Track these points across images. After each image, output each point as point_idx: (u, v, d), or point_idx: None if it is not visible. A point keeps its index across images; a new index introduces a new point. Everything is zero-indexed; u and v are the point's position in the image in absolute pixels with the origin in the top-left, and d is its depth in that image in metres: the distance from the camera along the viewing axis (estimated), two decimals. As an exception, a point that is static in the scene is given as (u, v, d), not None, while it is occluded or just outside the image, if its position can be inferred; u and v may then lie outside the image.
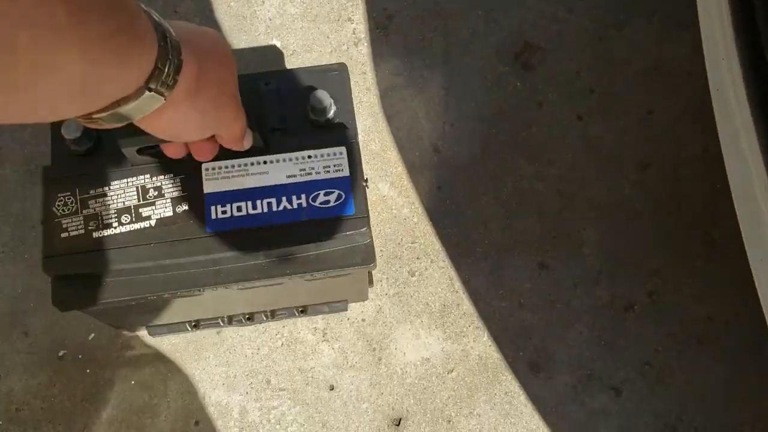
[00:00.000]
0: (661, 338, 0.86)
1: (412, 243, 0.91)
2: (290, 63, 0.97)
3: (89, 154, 0.67)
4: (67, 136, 0.66)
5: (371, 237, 0.66)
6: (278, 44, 0.98)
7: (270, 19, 0.99)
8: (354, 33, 0.99)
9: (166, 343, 0.86)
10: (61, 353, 0.85)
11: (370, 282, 0.86)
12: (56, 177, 0.66)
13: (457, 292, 0.88)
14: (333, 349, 0.86)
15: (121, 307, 0.67)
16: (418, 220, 0.92)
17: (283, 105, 0.69)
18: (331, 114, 0.69)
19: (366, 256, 0.66)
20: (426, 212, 0.92)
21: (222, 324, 0.84)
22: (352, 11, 1.00)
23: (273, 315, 0.84)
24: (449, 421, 0.83)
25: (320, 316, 0.86)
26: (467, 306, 0.87)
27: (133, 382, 0.85)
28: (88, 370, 0.85)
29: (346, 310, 0.86)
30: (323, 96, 0.67)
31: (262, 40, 0.98)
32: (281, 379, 0.85)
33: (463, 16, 1.01)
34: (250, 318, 0.84)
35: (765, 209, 0.55)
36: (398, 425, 0.83)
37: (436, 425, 0.83)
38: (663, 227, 0.91)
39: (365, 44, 0.99)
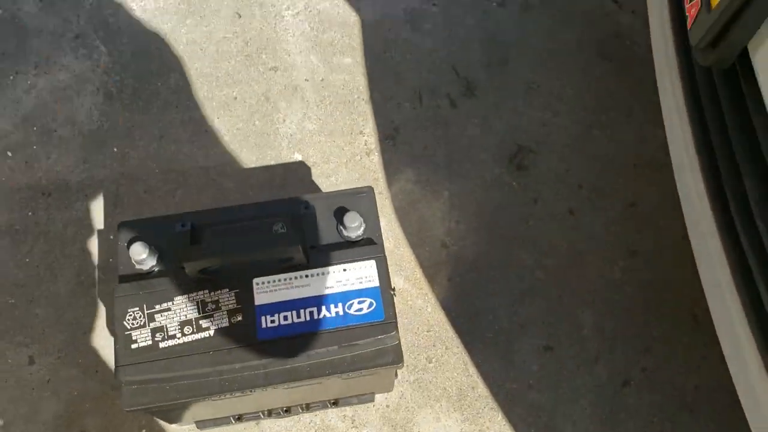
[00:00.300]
0: (656, 410, 0.95)
1: (427, 331, 1.01)
2: (312, 174, 1.09)
3: (152, 274, 0.78)
4: (135, 257, 0.77)
5: (399, 339, 0.76)
6: (299, 157, 1.10)
7: (291, 135, 1.12)
8: (366, 144, 1.12)
9: (211, 436, 0.95)
10: (114, 449, 0.93)
11: (396, 375, 0.96)
12: (126, 295, 0.77)
13: (471, 376, 0.98)
14: (362, 433, 0.95)
15: (179, 407, 0.77)
16: (432, 310, 1.02)
17: (321, 225, 0.80)
18: (360, 231, 0.80)
19: (395, 357, 0.76)
20: (438, 302, 1.02)
21: (262, 417, 0.93)
22: (363, 125, 1.13)
23: (308, 407, 0.93)
24: (472, 496, 0.91)
25: (349, 404, 0.95)
26: (482, 389, 0.97)
27: (181, 473, 0.93)
28: (140, 464, 0.93)
29: (373, 401, 0.95)
30: (354, 217, 0.79)
31: (285, 155, 1.10)
32: (317, 464, 0.93)
33: (461, 124, 1.13)
34: (288, 411, 0.93)
35: (732, 305, 0.66)
36: (425, 502, 0.91)
37: (459, 501, 0.91)
38: (652, 308, 1.02)
39: (376, 154, 1.11)
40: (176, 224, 0.80)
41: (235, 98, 1.15)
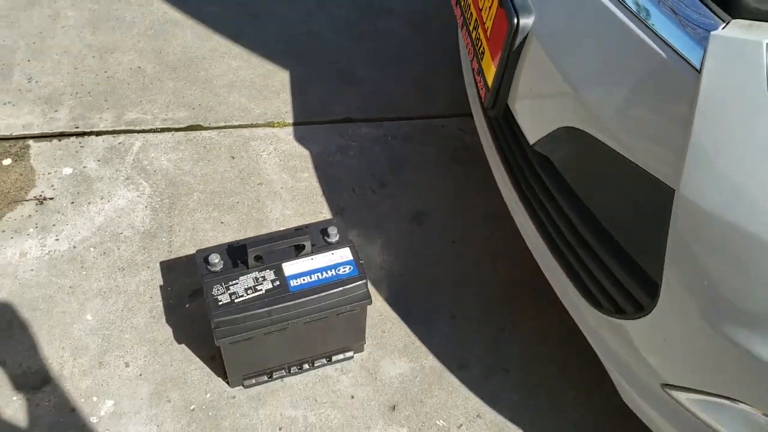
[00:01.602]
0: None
1: (379, 315, 1.60)
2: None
3: (223, 269, 1.38)
4: (212, 261, 1.37)
5: (367, 287, 1.38)
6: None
7: (276, 219, 1.76)
8: (324, 218, 1.77)
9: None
10: None
11: (364, 338, 1.53)
12: (210, 280, 1.35)
13: (410, 336, 1.57)
14: None
15: (245, 346, 1.33)
16: (381, 304, 1.62)
17: (314, 236, 1.43)
18: (337, 237, 1.43)
19: (365, 295, 1.37)
20: (384, 299, 1.63)
21: (285, 373, 1.47)
22: (321, 209, 1.79)
23: (313, 364, 1.49)
24: None
25: None
26: (412, 338, 1.56)
27: (236, 416, 1.44)
28: None
29: (353, 358, 1.52)
30: (333, 228, 1.43)
31: (275, 230, 1.73)
32: None
33: (381, 203, 1.82)
34: (300, 368, 1.48)
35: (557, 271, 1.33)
36: None
37: None
38: (508, 293, 1.67)
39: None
40: (233, 245, 1.41)
41: (238, 202, 1.79)
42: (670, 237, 0.94)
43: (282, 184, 1.85)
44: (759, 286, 0.86)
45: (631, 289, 1.07)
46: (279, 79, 2.13)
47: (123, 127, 1.94)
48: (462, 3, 1.51)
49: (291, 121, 2.01)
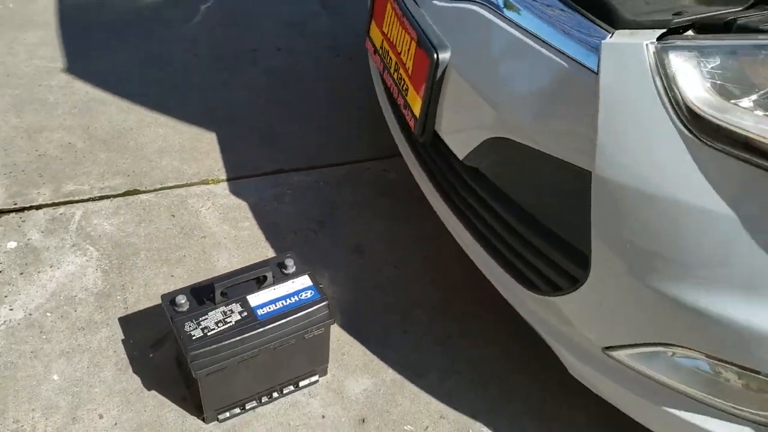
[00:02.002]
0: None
1: (338, 340, 1.71)
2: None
3: (189, 309, 1.46)
4: (178, 302, 1.45)
5: (328, 308, 1.50)
6: (234, 276, 1.83)
7: (224, 267, 1.85)
8: (266, 257, 1.88)
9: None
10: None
11: (327, 359, 1.63)
12: (180, 319, 1.43)
13: (371, 352, 1.69)
14: None
15: (220, 377, 1.41)
16: (339, 328, 1.74)
17: (274, 270, 1.54)
18: (294, 268, 1.55)
19: (329, 315, 1.49)
20: (342, 322, 1.75)
21: (256, 404, 1.55)
22: (266, 252, 1.90)
23: (282, 392, 1.58)
24: None
25: None
26: (370, 352, 1.68)
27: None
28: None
29: (318, 381, 1.62)
30: (290, 261, 1.55)
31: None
32: None
33: (320, 243, 1.95)
34: (270, 397, 1.57)
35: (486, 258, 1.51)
36: None
37: None
38: (439, 278, 1.83)
39: (279, 266, 1.88)
40: (195, 286, 1.50)
41: (185, 256, 1.88)
42: (593, 211, 1.14)
43: (225, 235, 1.95)
44: (672, 239, 1.06)
45: (565, 265, 1.26)
46: (206, 141, 2.26)
47: (62, 199, 1.99)
48: (380, 51, 1.71)
49: (224, 177, 2.13)
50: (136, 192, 2.05)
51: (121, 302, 1.74)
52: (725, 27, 1.05)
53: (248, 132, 2.32)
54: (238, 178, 2.13)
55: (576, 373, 1.40)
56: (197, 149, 2.22)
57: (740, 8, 1.07)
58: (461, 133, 1.42)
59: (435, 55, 1.39)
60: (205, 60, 2.62)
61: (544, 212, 1.30)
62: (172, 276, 1.82)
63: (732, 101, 0.99)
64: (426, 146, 1.60)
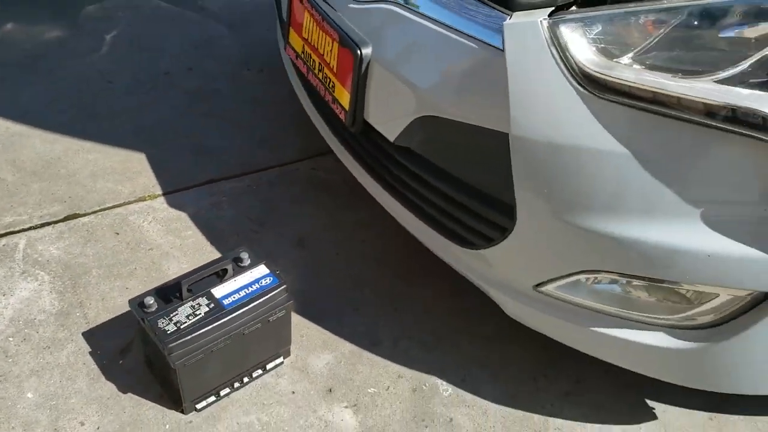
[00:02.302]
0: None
1: (300, 335, 1.85)
2: (197, 285, 1.92)
3: (158, 307, 1.57)
4: (147, 303, 1.56)
5: (287, 291, 1.64)
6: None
7: (175, 273, 1.95)
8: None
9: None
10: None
11: (289, 341, 1.77)
12: (153, 317, 1.54)
13: (325, 332, 1.83)
14: None
15: (196, 367, 1.52)
16: (298, 317, 1.87)
17: (232, 262, 1.67)
18: (249, 260, 1.69)
19: (288, 298, 1.64)
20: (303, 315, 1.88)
21: (230, 390, 1.67)
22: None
23: (251, 376, 1.70)
24: None
25: None
26: (328, 332, 1.83)
27: (198, 437, 1.60)
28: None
29: (283, 362, 1.75)
30: (245, 254, 1.68)
31: (180, 280, 1.93)
32: None
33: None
34: (242, 382, 1.69)
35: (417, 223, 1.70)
36: None
37: None
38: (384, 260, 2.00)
39: (228, 266, 1.99)
40: (160, 287, 1.61)
41: (135, 269, 1.97)
42: (513, 167, 1.34)
43: (170, 245, 2.05)
44: (579, 179, 1.28)
45: (494, 218, 1.46)
46: (137, 161, 2.34)
47: (2, 231, 2.03)
48: (303, 56, 1.87)
49: (160, 192, 2.22)
50: (76, 216, 2.11)
51: (82, 318, 1.82)
52: None
53: (176, 148, 2.42)
54: (173, 192, 2.23)
55: (511, 312, 1.60)
56: (129, 169, 2.30)
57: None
58: (390, 117, 1.60)
59: (358, 52, 1.57)
60: (120, 86, 2.69)
61: (472, 175, 1.50)
62: (126, 288, 1.91)
63: (614, 60, 1.21)
64: (356, 136, 1.77)
